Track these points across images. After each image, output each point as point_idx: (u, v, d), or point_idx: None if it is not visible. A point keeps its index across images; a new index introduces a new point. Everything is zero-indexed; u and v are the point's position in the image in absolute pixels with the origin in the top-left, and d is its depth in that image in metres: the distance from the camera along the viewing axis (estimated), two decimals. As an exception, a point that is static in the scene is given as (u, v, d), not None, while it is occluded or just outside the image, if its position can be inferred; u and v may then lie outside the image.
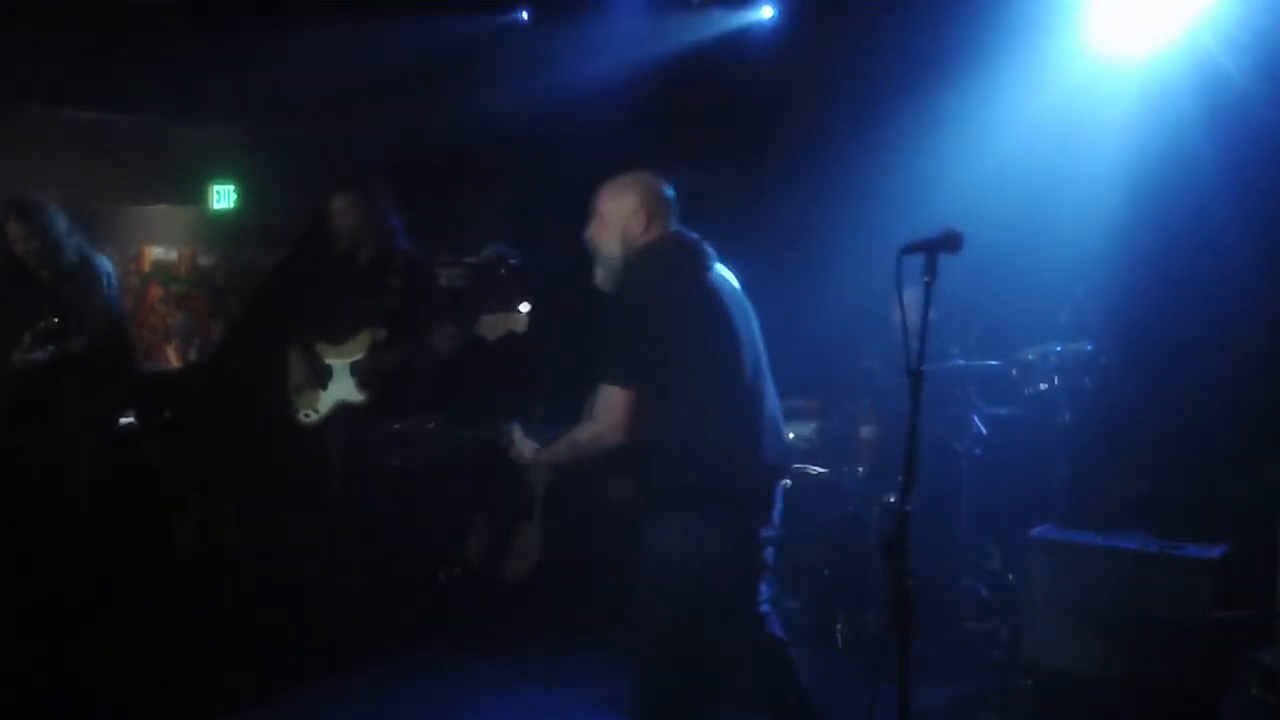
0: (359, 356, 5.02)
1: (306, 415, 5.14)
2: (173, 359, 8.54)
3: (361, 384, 5.01)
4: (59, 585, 5.27)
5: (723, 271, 3.58)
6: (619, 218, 3.49)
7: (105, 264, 5.61)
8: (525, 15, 7.11)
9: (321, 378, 5.09)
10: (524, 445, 3.58)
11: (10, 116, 7.56)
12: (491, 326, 4.47)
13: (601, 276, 3.56)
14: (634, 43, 6.63)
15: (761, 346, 3.56)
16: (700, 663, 3.42)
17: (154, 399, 6.34)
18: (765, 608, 3.53)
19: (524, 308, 4.44)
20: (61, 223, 5.40)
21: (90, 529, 5.44)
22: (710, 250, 3.53)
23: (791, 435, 5.68)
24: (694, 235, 3.53)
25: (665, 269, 3.41)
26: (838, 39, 6.25)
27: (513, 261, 6.67)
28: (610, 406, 3.26)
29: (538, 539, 5.75)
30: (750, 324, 3.54)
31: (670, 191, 3.55)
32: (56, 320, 5.17)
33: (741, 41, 6.72)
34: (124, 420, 5.85)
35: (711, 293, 3.43)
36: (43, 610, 5.15)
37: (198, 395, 6.70)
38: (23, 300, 5.30)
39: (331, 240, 5.18)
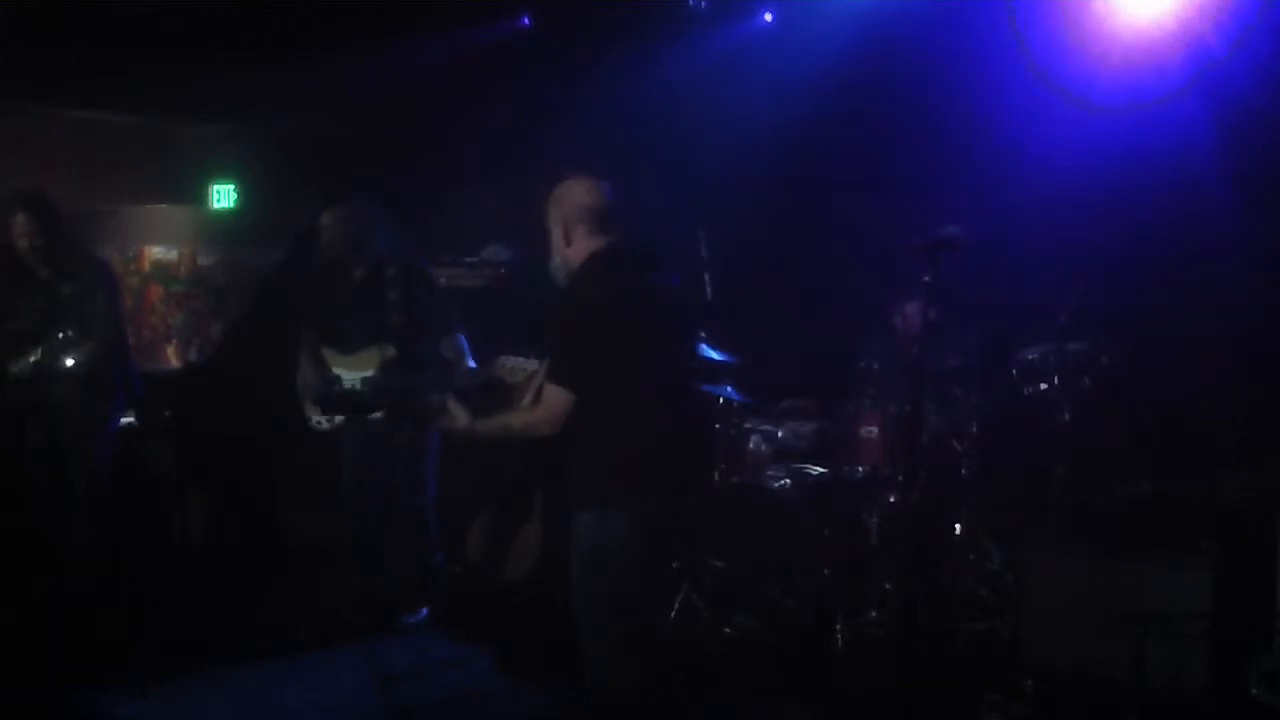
0: (370, 373, 5.04)
1: (319, 423, 5.14)
2: (173, 359, 8.54)
3: (376, 400, 5.02)
4: (62, 587, 5.25)
5: (654, 281, 3.76)
6: (551, 231, 3.72)
7: (106, 265, 5.55)
8: (527, 21, 7.11)
9: (332, 388, 5.10)
10: (458, 413, 3.78)
11: (10, 116, 7.57)
12: (511, 371, 4.52)
13: (554, 277, 3.79)
14: (636, 48, 6.64)
15: (687, 352, 3.87)
16: (642, 642, 3.70)
17: (154, 399, 6.33)
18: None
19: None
20: (66, 221, 5.29)
21: (92, 531, 5.39)
22: (640, 261, 3.71)
23: (791, 435, 5.71)
24: (623, 247, 3.69)
25: (594, 287, 3.62)
26: (839, 42, 6.25)
27: (511, 261, 6.69)
28: (552, 404, 3.54)
29: (538, 538, 5.74)
30: (677, 333, 3.82)
31: (600, 197, 3.69)
32: (61, 336, 5.02)
33: (746, 47, 6.73)
34: (124, 420, 5.83)
35: (636, 306, 3.63)
36: (46, 611, 5.15)
37: (199, 395, 6.70)
38: (21, 299, 5.19)
39: (322, 253, 5.19)
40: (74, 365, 5.08)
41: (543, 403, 3.59)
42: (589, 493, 3.62)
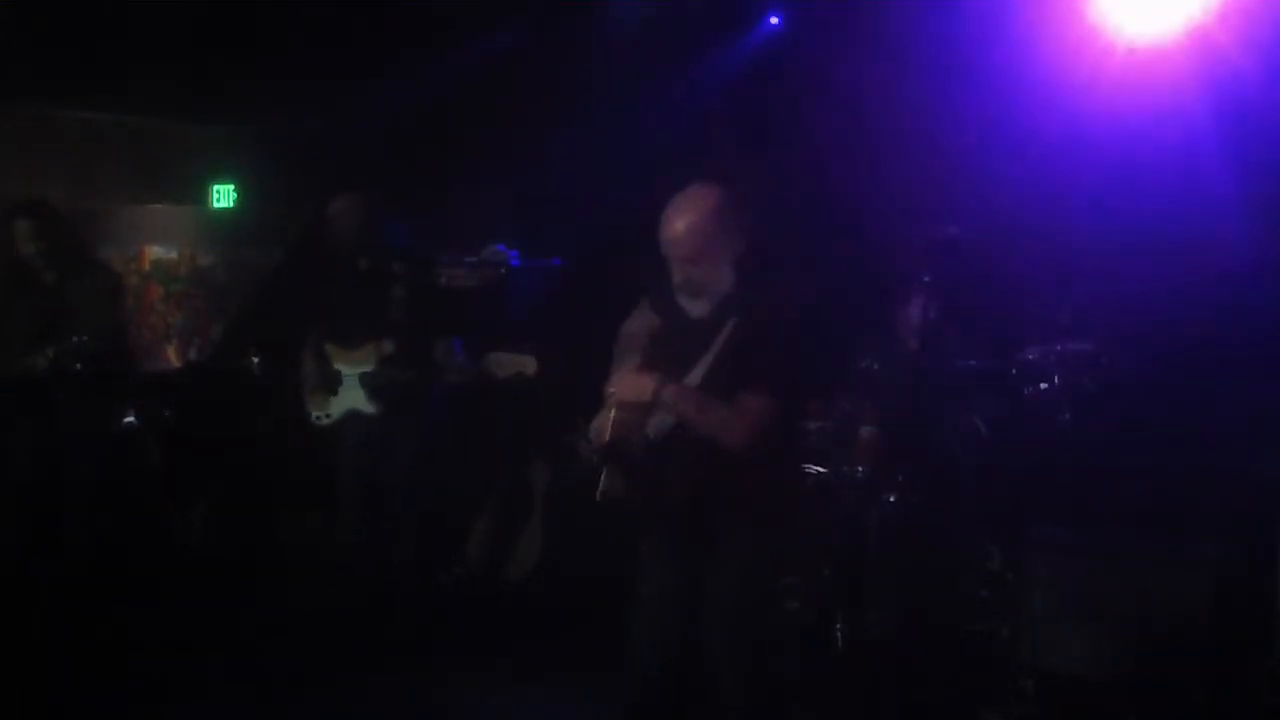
0: (368, 368, 5.03)
1: (319, 418, 5.15)
2: (173, 359, 8.54)
3: (371, 396, 5.02)
4: (59, 588, 5.24)
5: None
6: (723, 248, 3.27)
7: (109, 268, 5.59)
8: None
9: (332, 383, 5.10)
10: (646, 382, 3.23)
11: (10, 116, 7.57)
12: (501, 365, 4.50)
13: (707, 307, 3.34)
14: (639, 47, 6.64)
15: None
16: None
17: (154, 399, 6.34)
18: None
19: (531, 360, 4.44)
20: (69, 225, 5.35)
21: (89, 532, 5.38)
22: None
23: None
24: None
25: (779, 285, 3.37)
26: (843, 41, 6.25)
27: (512, 261, 6.70)
28: (767, 416, 3.18)
29: (538, 539, 5.75)
30: None
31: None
32: (75, 340, 5.00)
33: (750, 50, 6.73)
34: (125, 420, 5.83)
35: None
36: (44, 612, 5.15)
37: (199, 394, 6.70)
38: (26, 303, 5.22)
39: (329, 244, 5.19)
40: (81, 368, 5.08)
41: (758, 412, 3.17)
42: (769, 511, 3.31)
